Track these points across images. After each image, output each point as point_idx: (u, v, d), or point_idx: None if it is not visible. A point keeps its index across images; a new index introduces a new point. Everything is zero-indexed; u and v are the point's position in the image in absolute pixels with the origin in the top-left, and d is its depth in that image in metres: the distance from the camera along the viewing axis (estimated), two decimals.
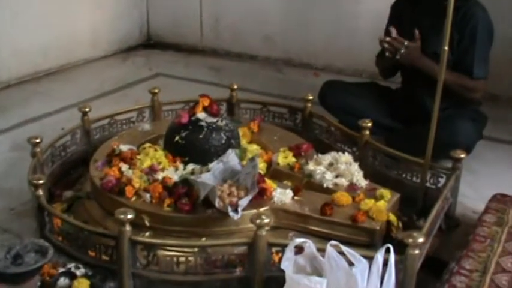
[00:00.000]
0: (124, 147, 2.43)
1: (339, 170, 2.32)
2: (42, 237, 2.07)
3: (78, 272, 1.91)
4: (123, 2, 4.96)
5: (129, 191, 2.15)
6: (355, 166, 2.34)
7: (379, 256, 1.72)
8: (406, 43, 2.65)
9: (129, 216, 1.83)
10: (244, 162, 2.30)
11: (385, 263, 1.71)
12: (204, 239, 2.04)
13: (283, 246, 1.80)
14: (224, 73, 4.43)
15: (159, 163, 2.31)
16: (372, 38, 2.83)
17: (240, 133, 2.54)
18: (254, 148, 2.53)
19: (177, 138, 2.35)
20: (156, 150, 2.41)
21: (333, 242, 1.76)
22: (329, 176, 2.28)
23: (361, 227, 2.03)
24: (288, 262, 1.76)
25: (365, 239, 2.02)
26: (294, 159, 2.42)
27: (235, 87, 3.03)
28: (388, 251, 1.72)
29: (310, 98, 2.87)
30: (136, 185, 2.17)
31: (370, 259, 1.72)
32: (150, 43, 5.24)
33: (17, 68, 4.11)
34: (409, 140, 2.64)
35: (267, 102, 3.06)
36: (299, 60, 4.61)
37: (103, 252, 1.94)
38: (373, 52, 3.07)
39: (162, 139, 2.52)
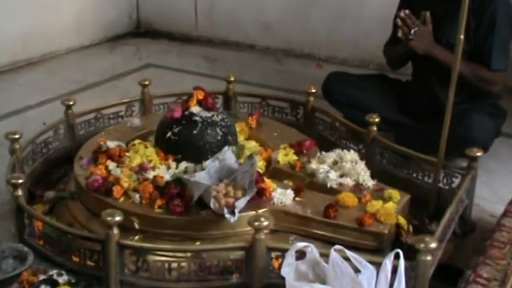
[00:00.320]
0: (111, 144, 2.42)
1: (344, 169, 2.31)
2: (21, 241, 2.06)
3: (60, 280, 1.91)
4: None
5: (117, 191, 2.14)
6: (361, 165, 2.34)
7: (388, 262, 1.71)
8: (418, 22, 2.65)
9: (117, 219, 1.83)
10: (242, 160, 2.29)
11: (394, 270, 1.71)
12: (198, 243, 2.03)
13: (284, 251, 1.80)
14: (220, 64, 4.43)
15: (150, 161, 2.30)
16: (380, 25, 2.85)
17: (237, 129, 2.54)
18: (252, 145, 2.53)
19: (169, 134, 2.34)
20: (146, 147, 2.40)
21: (338, 247, 1.76)
22: (333, 175, 2.28)
23: (368, 231, 2.03)
24: (288, 268, 1.76)
25: (372, 243, 2.02)
26: (295, 157, 2.42)
27: (232, 79, 3.02)
28: (397, 256, 1.72)
29: (313, 91, 2.87)
30: (125, 185, 2.16)
31: (377, 265, 1.72)
32: (140, 31, 5.24)
33: None
34: (421, 137, 2.64)
35: (266, 95, 3.06)
36: (300, 50, 4.60)
37: (88, 258, 1.94)
38: (380, 41, 3.07)
39: (152, 135, 2.51)
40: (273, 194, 2.14)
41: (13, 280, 1.71)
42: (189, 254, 1.89)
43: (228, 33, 4.88)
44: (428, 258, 1.72)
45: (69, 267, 1.96)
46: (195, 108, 2.39)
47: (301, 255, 1.80)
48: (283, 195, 2.13)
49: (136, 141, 2.46)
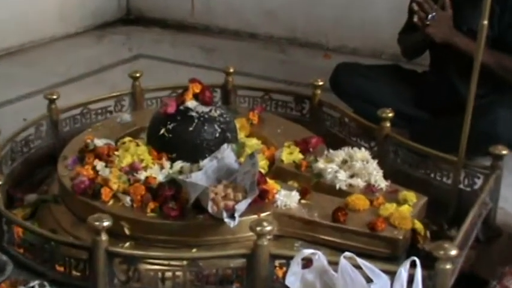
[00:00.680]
0: (99, 142, 2.42)
1: (354, 168, 2.31)
2: None
3: None
4: None
5: (105, 193, 2.14)
6: (373, 164, 2.34)
7: (403, 271, 1.71)
8: (436, 7, 2.65)
9: (106, 224, 1.83)
10: (242, 160, 2.29)
11: (410, 280, 1.71)
12: (194, 250, 2.04)
13: (288, 259, 1.80)
14: (218, 54, 4.43)
15: (141, 160, 2.31)
16: (393, 11, 2.85)
17: (237, 125, 2.54)
18: (254, 143, 2.53)
19: (162, 131, 2.34)
20: (137, 145, 2.41)
21: (348, 254, 1.76)
22: (342, 175, 2.28)
23: (381, 236, 2.03)
24: (294, 277, 1.76)
25: (386, 250, 2.02)
26: (300, 156, 2.42)
27: (232, 70, 3.02)
28: (413, 265, 1.72)
29: (320, 83, 2.87)
30: (114, 187, 2.16)
31: (392, 274, 1.72)
32: (130, 18, 5.24)
33: None
34: (439, 133, 2.64)
35: (268, 88, 3.06)
36: (306, 39, 4.60)
37: (74, 267, 1.94)
38: (394, 28, 3.07)
39: (144, 132, 2.51)
40: (277, 196, 2.14)
41: None
42: (184, 262, 1.89)
43: (227, 21, 4.88)
44: (448, 266, 1.72)
45: (53, 277, 1.95)
46: (190, 103, 2.39)
47: (307, 263, 1.80)
48: (287, 198, 2.13)
49: (127, 139, 2.46)
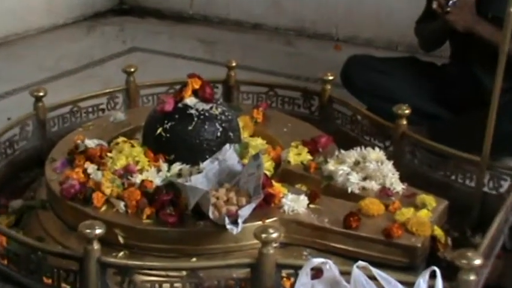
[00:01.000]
0: (91, 143, 2.43)
1: (368, 170, 2.31)
2: None
3: None
4: None
5: (97, 198, 2.14)
6: (388, 165, 2.34)
7: (422, 282, 1.71)
8: None
9: (98, 232, 1.83)
10: (246, 161, 2.30)
11: None
12: (194, 259, 2.04)
13: (297, 268, 1.80)
14: (219, 47, 4.43)
15: (137, 162, 2.31)
16: None
17: (240, 123, 2.54)
18: (258, 143, 2.54)
19: (159, 130, 2.35)
20: (132, 146, 2.41)
21: (361, 263, 1.76)
22: (355, 178, 2.28)
23: (398, 244, 2.03)
24: None
25: (402, 259, 2.02)
26: (309, 157, 2.42)
27: (234, 64, 3.03)
28: (433, 275, 1.71)
29: (330, 78, 2.87)
30: (107, 191, 2.16)
31: (409, 286, 1.71)
32: (124, 8, 5.25)
33: None
34: (460, 131, 2.64)
35: (274, 83, 3.07)
36: (315, 30, 4.61)
37: (63, 279, 1.93)
38: (411, 17, 3.07)
39: (140, 132, 2.52)
40: (283, 200, 2.14)
41: None
42: (183, 273, 1.89)
43: (229, 11, 4.89)
44: (472, 277, 1.71)
45: None
46: (189, 100, 2.39)
47: (317, 273, 1.79)
48: (295, 202, 2.13)
49: (121, 139, 2.47)
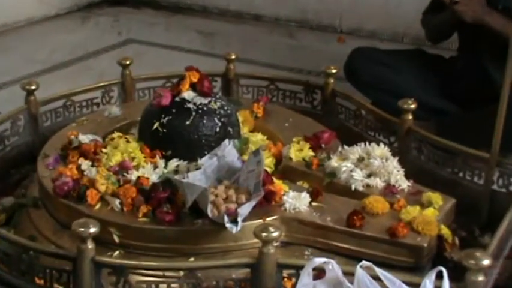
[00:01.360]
0: (84, 138, 2.43)
1: (372, 167, 2.32)
2: None
3: None
4: None
5: (91, 196, 2.15)
6: (393, 162, 2.34)
7: (428, 283, 1.71)
8: None
9: (92, 230, 1.83)
10: (246, 157, 2.30)
11: None
12: (192, 259, 2.04)
13: (298, 269, 1.80)
14: (218, 39, 4.43)
15: (132, 159, 2.31)
16: None
17: (240, 118, 2.55)
18: (258, 138, 2.54)
19: (156, 125, 2.35)
20: (128, 141, 2.41)
21: (365, 263, 1.76)
22: (358, 175, 2.29)
23: (403, 244, 2.03)
24: None
25: (408, 259, 2.03)
26: (311, 153, 2.43)
27: (233, 57, 3.03)
28: (440, 276, 1.72)
29: (333, 71, 2.87)
30: (102, 188, 2.17)
31: (415, 286, 1.72)
32: None
33: None
34: (468, 127, 2.64)
35: (275, 77, 3.06)
36: (318, 21, 4.60)
37: (56, 280, 1.94)
38: (417, 9, 3.06)
39: (135, 127, 2.52)
40: (285, 198, 2.14)
41: None
42: (181, 273, 1.89)
43: (228, 1, 4.89)
44: (480, 278, 1.71)
45: None
46: (187, 94, 2.39)
47: (319, 273, 1.80)
48: (296, 200, 2.14)
49: (116, 135, 2.47)
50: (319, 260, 1.79)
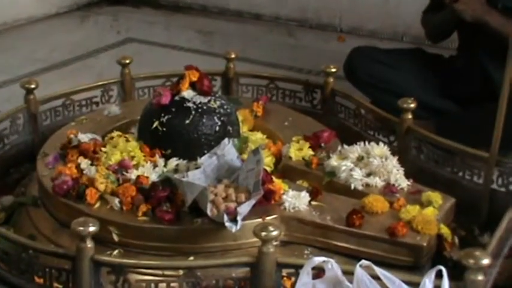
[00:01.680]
0: (84, 137, 2.43)
1: (372, 166, 2.32)
2: None
3: None
4: None
5: (91, 195, 2.15)
6: (393, 161, 2.34)
7: (428, 282, 1.71)
8: None
9: (91, 229, 1.83)
10: (245, 156, 2.30)
11: None
12: (191, 258, 2.04)
13: (298, 268, 1.81)
14: (218, 38, 4.43)
15: (132, 158, 2.31)
16: None
17: (240, 117, 2.55)
18: (258, 137, 2.54)
19: (155, 124, 2.35)
20: (127, 140, 2.41)
21: (364, 262, 1.76)
22: (358, 174, 2.29)
23: (402, 243, 2.03)
24: None
25: (407, 258, 2.03)
26: (311, 152, 2.43)
27: (233, 56, 3.03)
28: (439, 275, 1.72)
29: (333, 70, 2.87)
30: (101, 187, 2.17)
31: (414, 286, 1.72)
32: None
33: None
34: (468, 126, 2.64)
35: (275, 76, 3.07)
36: (318, 20, 4.60)
37: (55, 279, 1.94)
38: (417, 8, 3.06)
39: (135, 126, 2.52)
40: (284, 197, 2.14)
41: None
42: (180, 272, 1.89)
43: (228, 0, 4.88)
44: (480, 278, 1.71)
45: None
46: (187, 93, 2.39)
47: (319, 272, 1.80)
48: (296, 199, 2.14)
49: (115, 134, 2.47)
50: (318, 259, 1.79)
